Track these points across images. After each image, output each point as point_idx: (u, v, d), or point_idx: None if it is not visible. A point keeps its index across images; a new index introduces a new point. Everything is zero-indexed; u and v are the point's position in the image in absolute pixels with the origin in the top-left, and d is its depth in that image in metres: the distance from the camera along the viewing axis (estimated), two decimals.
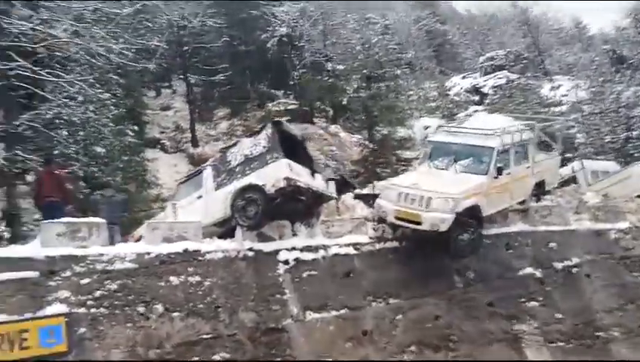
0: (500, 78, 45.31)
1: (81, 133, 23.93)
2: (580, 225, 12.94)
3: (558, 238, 12.42)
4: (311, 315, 10.15)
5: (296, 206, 11.02)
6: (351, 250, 11.05)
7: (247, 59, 41.99)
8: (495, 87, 44.35)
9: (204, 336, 9.35)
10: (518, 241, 12.16)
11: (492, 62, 50.10)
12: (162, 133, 38.86)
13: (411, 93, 47.15)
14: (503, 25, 61.81)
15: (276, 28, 39.03)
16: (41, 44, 21.78)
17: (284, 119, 36.94)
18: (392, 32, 46.89)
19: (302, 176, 10.78)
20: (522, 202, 12.73)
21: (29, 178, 22.12)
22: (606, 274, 12.22)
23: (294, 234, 11.19)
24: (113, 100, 27.21)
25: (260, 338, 9.67)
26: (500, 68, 48.00)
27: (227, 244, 10.41)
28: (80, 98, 23.66)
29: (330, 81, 38.53)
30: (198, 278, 9.79)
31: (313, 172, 11.31)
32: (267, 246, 10.63)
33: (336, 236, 11.26)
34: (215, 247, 10.26)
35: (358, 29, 40.93)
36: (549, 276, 11.90)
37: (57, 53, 23.60)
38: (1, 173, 19.48)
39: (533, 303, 11.50)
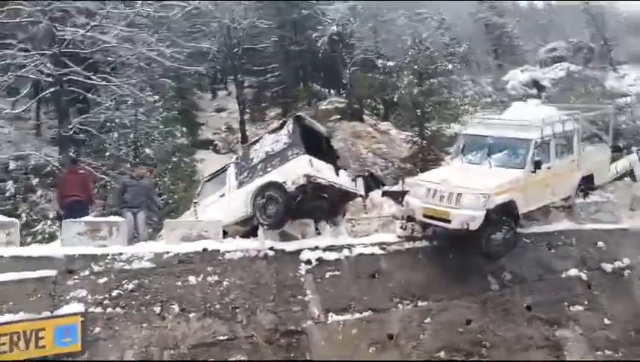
0: (561, 69, 43.32)
1: (131, 135, 24.55)
2: (634, 223, 11.85)
3: (607, 237, 11.44)
4: (333, 317, 9.74)
5: (319, 204, 10.66)
6: (377, 250, 10.55)
7: (299, 58, 42.16)
8: (555, 79, 42.46)
9: (221, 338, 9.15)
10: (562, 241, 11.28)
11: (553, 54, 48.05)
12: (215, 134, 39.46)
13: (466, 88, 45.93)
14: (565, 15, 59.15)
15: (327, 26, 38.79)
16: (93, 50, 22.55)
17: (334, 117, 36.82)
18: (446, 26, 45.65)
19: (324, 172, 10.39)
20: (567, 198, 11.78)
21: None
22: None
23: (318, 233, 10.79)
24: (163, 103, 27.82)
25: (278, 340, 9.39)
26: (561, 59, 45.96)
27: (247, 244, 10.18)
28: (130, 101, 24.27)
29: (380, 78, 37.90)
30: (216, 278, 9.61)
31: (337, 168, 10.87)
32: (289, 246, 10.31)
33: (362, 235, 10.81)
34: (235, 247, 10.05)
35: (410, 24, 40.05)
36: (597, 278, 10.95)
37: (109, 59, 24.43)
38: (56, 175, 20.11)
39: (577, 307, 10.62)
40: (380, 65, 38.90)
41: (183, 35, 34.26)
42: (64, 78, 21.28)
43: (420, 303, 10.19)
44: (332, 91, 43.04)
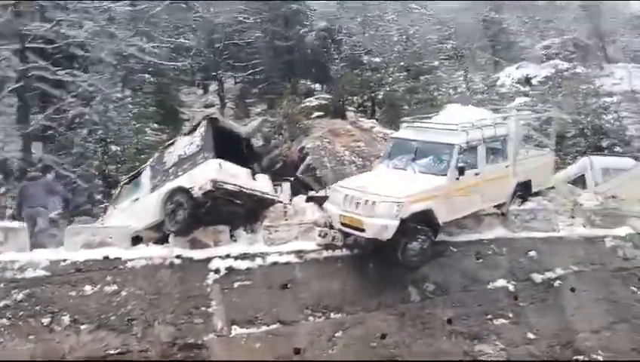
0: (551, 67, 42.57)
1: (99, 132, 24.18)
2: (572, 231, 11.35)
3: (541, 246, 10.95)
4: (237, 330, 9.31)
5: (233, 210, 10.22)
6: (293, 258, 10.10)
7: (287, 54, 41.67)
8: (546, 76, 41.73)
9: (112, 351, 8.73)
10: (492, 250, 10.78)
11: (547, 51, 47.22)
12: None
13: (458, 85, 45.28)
14: (565, 11, 58.17)
15: (315, 22, 38.27)
16: (58, 45, 22.20)
17: (316, 114, 36.23)
18: (435, 22, 45.03)
19: (237, 177, 9.97)
20: (501, 205, 11.27)
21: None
22: (596, 288, 10.63)
23: (234, 241, 10.34)
24: (135, 99, 27.45)
25: (175, 354, 8.96)
26: (555, 56, 45.17)
27: (153, 251, 9.76)
28: (98, 97, 23.92)
29: (367, 74, 37.33)
30: (115, 288, 9.21)
31: (255, 172, 10.41)
32: (199, 254, 9.90)
33: (279, 242, 10.33)
34: (139, 254, 9.63)
35: (398, 19, 39.42)
36: (525, 290, 10.47)
37: (78, 54, 24.07)
38: (21, 172, 19.75)
39: (501, 321, 10.13)
40: (364, 62, 38.41)
41: (164, 30, 33.96)
42: (29, 74, 20.90)
43: (332, 315, 9.74)
44: (318, 87, 42.51)
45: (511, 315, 10.19)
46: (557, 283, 10.59)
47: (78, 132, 23.62)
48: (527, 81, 43.63)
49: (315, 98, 39.66)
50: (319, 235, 10.35)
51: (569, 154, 27.07)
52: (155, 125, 28.73)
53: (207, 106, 42.57)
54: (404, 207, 9.32)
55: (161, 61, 28.03)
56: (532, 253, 10.82)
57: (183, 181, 9.88)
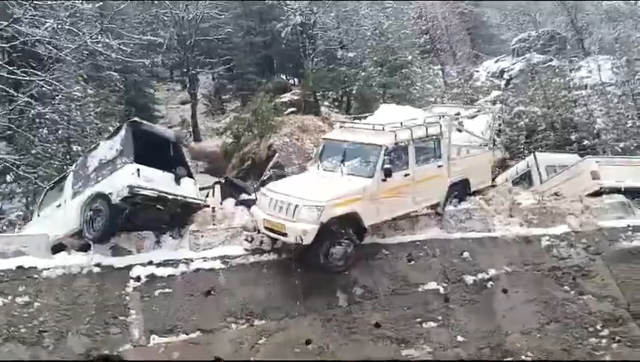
0: (524, 60, 42.56)
1: (59, 131, 23.78)
2: (507, 231, 11.21)
3: (475, 247, 10.83)
4: (155, 339, 9.06)
5: (155, 215, 9.98)
6: (218, 264, 9.90)
7: (263, 49, 41.44)
8: (520, 70, 41.72)
9: None
10: (424, 251, 10.64)
11: (523, 44, 47.15)
12: (171, 127, 38.61)
13: (435, 79, 45.27)
14: (543, 4, 58.10)
15: (290, 17, 37.93)
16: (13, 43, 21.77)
17: (290, 110, 35.91)
18: (411, 15, 44.89)
19: (157, 182, 9.70)
20: (435, 206, 11.11)
21: (8, 178, 22.10)
22: (528, 289, 10.52)
23: (160, 247, 10.10)
24: (99, 98, 27.06)
25: None
26: (531, 49, 45.10)
27: (71, 260, 9.52)
28: (59, 96, 23.51)
29: (340, 69, 37.08)
30: (27, 299, 8.95)
31: (179, 177, 10.15)
32: (120, 261, 9.67)
33: (205, 248, 10.11)
34: (56, 263, 9.36)
35: (371, 14, 39.15)
36: (456, 291, 10.32)
37: (39, 52, 23.61)
38: None
39: (430, 324, 9.97)
40: (339, 57, 38.18)
41: (134, 26, 33.50)
42: None
43: (256, 322, 9.53)
44: (295, 83, 42.37)
45: (440, 318, 10.03)
46: (489, 284, 10.47)
47: (39, 132, 23.21)
48: (501, 74, 43.65)
49: (291, 94, 39.52)
50: (246, 240, 10.16)
51: (538, 148, 26.98)
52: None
53: (183, 103, 42.24)
54: (325, 210, 9.13)
55: (128, 58, 27.50)
56: (466, 254, 10.70)
57: (102, 187, 9.62)
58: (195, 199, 10.31)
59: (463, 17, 57.29)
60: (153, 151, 10.14)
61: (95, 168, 10.03)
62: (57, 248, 10.20)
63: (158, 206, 9.82)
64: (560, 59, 41.06)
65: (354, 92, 36.27)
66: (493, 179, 13.37)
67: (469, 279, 10.43)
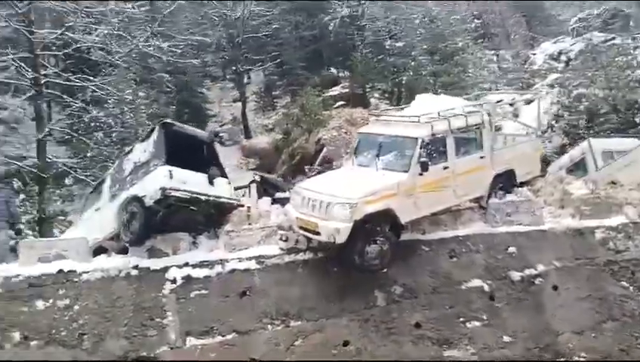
0: (589, 40, 40.38)
1: (113, 135, 24.54)
2: (557, 223, 10.54)
3: (521, 241, 10.24)
4: (191, 341, 9.06)
5: (190, 216, 9.96)
6: (253, 265, 9.77)
7: (311, 43, 41.32)
8: (580, 51, 39.64)
9: None
10: (467, 247, 10.14)
11: (583, 23, 44.86)
12: (223, 125, 39.16)
13: (489, 65, 43.83)
14: None
15: (337, 9, 37.62)
16: (68, 51, 22.57)
17: (339, 104, 35.64)
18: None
19: (190, 183, 9.66)
20: (479, 199, 10.58)
21: (67, 181, 23.00)
22: (581, 285, 9.86)
23: (197, 247, 10.10)
24: (150, 99, 27.68)
25: None
26: (592, 28, 42.84)
27: (109, 263, 9.62)
28: (111, 100, 24.24)
29: (389, 59, 36.47)
30: (67, 302, 9.12)
31: (212, 177, 10.09)
32: (156, 263, 9.70)
33: (240, 248, 10.01)
34: (94, 267, 9.49)
35: (420, 2, 38.22)
36: (501, 289, 9.79)
37: (93, 58, 24.44)
38: (39, 178, 20.16)
39: (474, 323, 9.50)
40: (387, 47, 37.51)
41: (186, 28, 34.02)
42: (41, 81, 21.23)
43: (292, 323, 9.36)
44: (344, 75, 41.94)
45: (485, 317, 9.55)
46: (537, 280, 9.86)
47: (94, 135, 23.99)
48: (559, 56, 41.66)
49: (341, 87, 39.19)
50: (281, 239, 9.98)
51: (599, 133, 25.57)
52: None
53: (235, 101, 42.65)
54: (358, 208, 8.81)
55: (178, 59, 27.98)
56: (512, 249, 10.13)
57: (137, 190, 9.68)
58: (228, 199, 10.23)
59: None
60: (186, 152, 10.11)
61: (130, 171, 10.10)
62: (98, 251, 10.36)
63: (191, 207, 9.78)
64: (623, 38, 38.78)
65: (403, 82, 35.50)
66: (546, 168, 12.64)
67: (516, 275, 9.87)
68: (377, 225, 9.13)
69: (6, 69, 21.53)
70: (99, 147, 23.47)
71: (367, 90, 36.54)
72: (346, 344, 9.25)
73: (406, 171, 9.48)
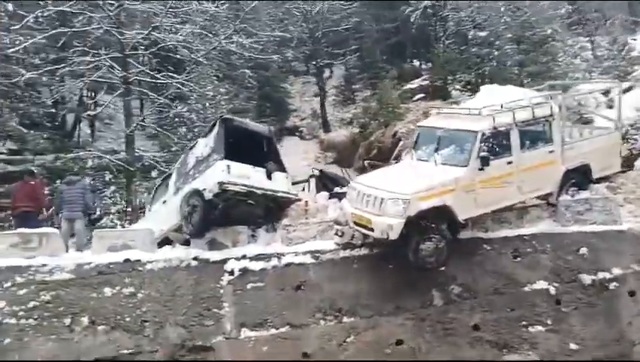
0: None
1: (195, 129, 25.55)
2: (638, 223, 9.73)
3: (595, 242, 9.54)
4: (245, 333, 9.22)
5: (248, 210, 10.14)
6: (309, 259, 9.77)
7: (394, 35, 40.93)
8: None
9: (124, 351, 9.05)
10: (533, 247, 9.59)
11: None
12: (303, 120, 39.64)
13: (582, 52, 41.36)
14: None
15: (420, 0, 36.97)
16: (153, 49, 23.77)
17: (419, 96, 35.03)
18: None
19: (247, 177, 9.85)
20: (548, 195, 9.98)
21: (154, 173, 24.21)
22: None
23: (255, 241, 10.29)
24: (230, 95, 28.55)
25: (182, 356, 9.07)
26: None
27: (171, 253, 9.99)
28: (193, 96, 25.26)
29: (472, 50, 35.32)
30: (132, 289, 9.55)
31: (270, 171, 10.20)
32: (216, 255, 9.96)
33: (297, 242, 10.07)
34: (157, 257, 9.90)
35: None
36: (570, 293, 9.18)
37: (177, 56, 25.63)
38: (127, 171, 21.45)
39: (537, 328, 8.99)
40: (470, 37, 36.33)
41: (265, 24, 34.73)
42: (130, 79, 22.47)
43: (345, 319, 9.28)
44: (426, 67, 41.17)
45: (550, 322, 9.00)
46: (612, 285, 9.15)
47: (178, 130, 25.08)
48: None
49: (422, 79, 38.47)
50: (336, 234, 9.92)
51: None
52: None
53: (316, 95, 43.04)
54: (411, 204, 8.57)
55: (259, 55, 28.58)
56: (583, 250, 9.47)
57: (198, 183, 9.98)
58: (286, 193, 10.30)
59: None
60: (246, 146, 10.28)
61: (193, 165, 10.43)
62: (164, 242, 10.78)
63: (249, 201, 9.93)
64: None
65: (486, 73, 34.20)
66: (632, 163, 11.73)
67: (587, 279, 9.21)
68: (433, 221, 8.82)
69: (99, 69, 22.90)
70: (182, 141, 24.39)
71: (449, 82, 35.55)
72: (399, 343, 9.06)
73: (465, 166, 9.11)
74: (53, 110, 24.90)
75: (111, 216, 21.19)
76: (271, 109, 36.21)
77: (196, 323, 9.32)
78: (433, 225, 8.82)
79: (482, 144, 9.07)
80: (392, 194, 8.75)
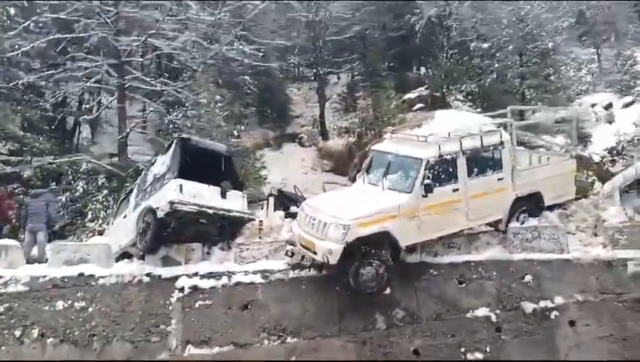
0: None
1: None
2: (586, 252, 9.75)
3: (540, 270, 9.60)
4: (190, 350, 9.39)
5: (203, 228, 10.32)
6: (258, 278, 9.95)
7: (398, 45, 40.91)
8: None
9: None
10: (479, 273, 9.66)
11: None
12: (303, 126, 39.76)
13: (588, 65, 41.26)
14: None
15: (425, 9, 36.92)
16: (147, 57, 24.13)
17: (418, 106, 35.07)
18: None
19: (200, 197, 10.01)
20: (497, 222, 10.04)
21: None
22: (604, 323, 9.05)
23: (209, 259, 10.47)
24: (225, 102, 28.75)
25: None
26: None
27: (124, 268, 10.21)
28: (188, 103, 25.56)
29: (473, 61, 35.26)
30: (83, 304, 9.79)
31: (224, 190, 10.38)
32: (168, 272, 10.16)
33: (249, 261, 10.23)
34: (111, 272, 10.13)
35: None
36: (511, 321, 9.22)
37: (173, 63, 26.01)
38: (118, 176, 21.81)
39: (476, 355, 9.05)
40: (472, 48, 36.29)
41: (270, 31, 34.93)
42: (126, 85, 22.83)
43: (288, 339, 9.42)
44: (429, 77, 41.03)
45: (489, 349, 9.05)
46: (553, 314, 9.18)
47: (173, 137, 25.30)
48: None
49: (424, 88, 38.41)
50: (286, 254, 10.06)
51: None
52: (242, 127, 29.47)
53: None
54: (351, 229, 8.69)
55: (258, 62, 28.81)
56: (528, 278, 9.54)
57: (152, 201, 10.18)
58: (239, 212, 10.45)
59: None
60: (204, 165, 10.47)
61: (151, 182, 10.65)
62: (124, 256, 11.00)
63: (201, 220, 10.10)
64: None
65: (487, 85, 34.12)
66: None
67: (529, 307, 9.26)
68: (374, 247, 8.93)
69: (97, 73, 23.32)
70: None
71: (451, 91, 35.50)
72: None
73: (409, 192, 9.20)
74: (52, 113, 25.32)
75: (100, 221, 21.56)
76: (272, 116, 36.40)
77: (143, 339, 9.53)
78: (373, 251, 8.91)
79: (427, 171, 9.17)
80: (334, 219, 8.88)
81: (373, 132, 30.35)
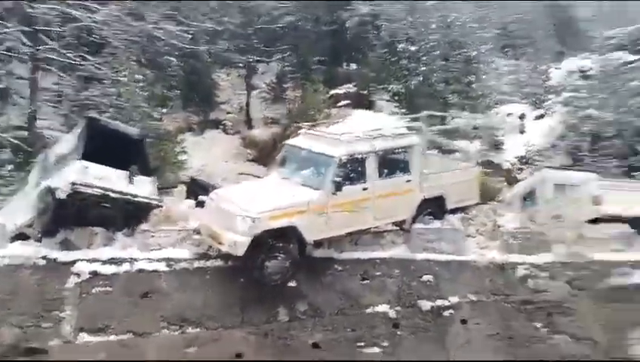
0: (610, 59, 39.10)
1: (106, 115, 24.68)
2: (482, 255, 10.26)
3: (439, 270, 10.02)
4: (84, 338, 9.05)
5: (106, 212, 9.96)
6: (162, 266, 9.73)
7: (330, 39, 40.91)
8: (602, 70, 38.46)
9: None
10: (382, 271, 9.93)
11: (612, 42, 43.44)
12: (229, 113, 39.11)
13: (507, 76, 43.06)
14: None
15: (358, 6, 37.10)
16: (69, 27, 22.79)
17: (344, 103, 35.36)
18: (482, 7, 42.45)
19: (106, 180, 9.66)
20: (402, 222, 10.36)
21: None
22: (492, 322, 9.58)
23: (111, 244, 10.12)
24: (147, 82, 27.74)
25: (15, 358, 8.81)
26: (621, 48, 41.46)
27: (18, 250, 9.69)
28: (108, 80, 24.35)
29: (401, 62, 35.86)
30: None
31: (132, 175, 10.06)
32: (67, 256, 9.73)
33: (153, 248, 9.98)
34: (4, 253, 9.58)
35: (440, 5, 37.42)
36: (408, 317, 9.56)
37: (93, 37, 24.69)
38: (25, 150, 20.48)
39: (374, 349, 9.31)
40: (399, 50, 36.94)
41: (201, 13, 33.86)
42: (39, 56, 21.42)
43: (189, 329, 9.29)
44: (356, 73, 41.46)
45: (386, 344, 9.34)
46: (447, 312, 9.61)
47: (87, 114, 24.15)
48: (578, 73, 40.54)
49: (352, 85, 38.69)
50: (193, 244, 9.91)
51: (602, 157, 24.89)
52: (164, 110, 28.67)
53: (252, 89, 42.49)
54: (258, 222, 8.69)
55: (185, 44, 27.94)
56: (427, 277, 9.92)
57: (53, 181, 9.71)
58: (145, 198, 10.18)
59: (552, 10, 53.67)
60: (113, 148, 10.09)
61: (53, 161, 10.15)
62: (20, 237, 10.42)
63: (104, 204, 9.76)
64: None
65: (412, 87, 34.91)
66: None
67: (426, 305, 9.66)
68: (280, 240, 8.98)
69: (7, 41, 21.79)
70: None
71: (377, 90, 36.06)
72: (239, 356, 9.15)
73: (319, 189, 9.30)
74: None
75: (2, 198, 20.31)
76: (196, 100, 35.56)
77: (34, 325, 9.09)
78: (280, 244, 8.97)
79: (338, 169, 9.31)
80: (242, 211, 8.84)
81: (297, 124, 30.38)
